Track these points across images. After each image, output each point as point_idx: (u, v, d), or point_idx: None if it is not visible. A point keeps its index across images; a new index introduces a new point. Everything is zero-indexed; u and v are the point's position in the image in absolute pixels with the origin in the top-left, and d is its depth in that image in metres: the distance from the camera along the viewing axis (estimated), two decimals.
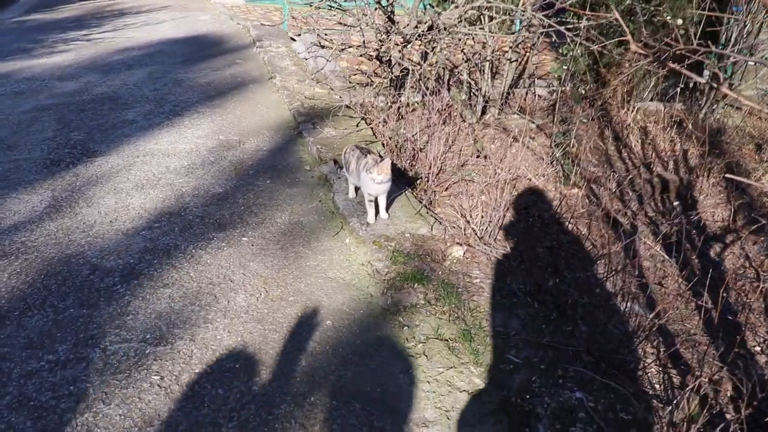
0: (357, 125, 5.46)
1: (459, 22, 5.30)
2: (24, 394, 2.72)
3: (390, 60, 5.83)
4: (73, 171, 4.87)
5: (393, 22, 5.34)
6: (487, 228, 3.87)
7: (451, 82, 6.10)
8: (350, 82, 6.71)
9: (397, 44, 5.62)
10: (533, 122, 6.13)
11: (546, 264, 3.68)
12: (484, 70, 6.11)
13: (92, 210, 4.23)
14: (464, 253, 3.64)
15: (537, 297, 3.32)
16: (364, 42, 5.79)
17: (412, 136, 4.92)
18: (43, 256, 3.72)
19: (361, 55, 6.07)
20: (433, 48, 5.46)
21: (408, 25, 5.44)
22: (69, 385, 2.76)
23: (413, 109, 5.95)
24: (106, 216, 4.14)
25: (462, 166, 5.03)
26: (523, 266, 3.58)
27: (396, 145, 4.98)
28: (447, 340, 3.00)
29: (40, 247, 3.82)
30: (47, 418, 2.60)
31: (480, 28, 5.42)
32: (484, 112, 6.30)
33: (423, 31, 5.15)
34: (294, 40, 8.82)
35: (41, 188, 4.61)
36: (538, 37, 6.02)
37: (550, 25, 5.11)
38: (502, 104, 6.33)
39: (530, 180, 4.81)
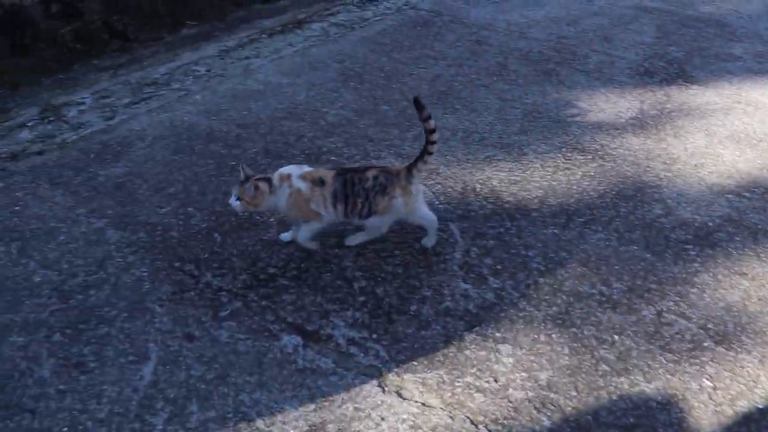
0: None
1: None
2: (584, 322, 2.46)
3: None
4: (665, 89, 4.41)
5: None
6: None
7: None
8: None
9: None
10: None
11: None
12: None
13: (678, 143, 3.74)
14: None
15: None
16: None
17: None
18: (618, 170, 3.40)
19: None
20: None
21: None
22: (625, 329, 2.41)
23: None
24: (691, 156, 3.62)
25: None
26: None
27: None
28: None
29: (618, 159, 3.50)
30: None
31: None
32: None
33: None
34: None
35: (630, 95, 4.26)
36: None
37: None
38: None
39: None
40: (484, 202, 3.07)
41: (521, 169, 3.34)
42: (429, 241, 2.79)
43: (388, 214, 2.60)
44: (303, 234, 2.68)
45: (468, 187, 3.16)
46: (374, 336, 2.34)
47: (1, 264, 2.67)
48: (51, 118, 3.81)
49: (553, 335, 2.41)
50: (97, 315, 2.43)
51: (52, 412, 2.06)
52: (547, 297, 2.56)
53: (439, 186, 3.16)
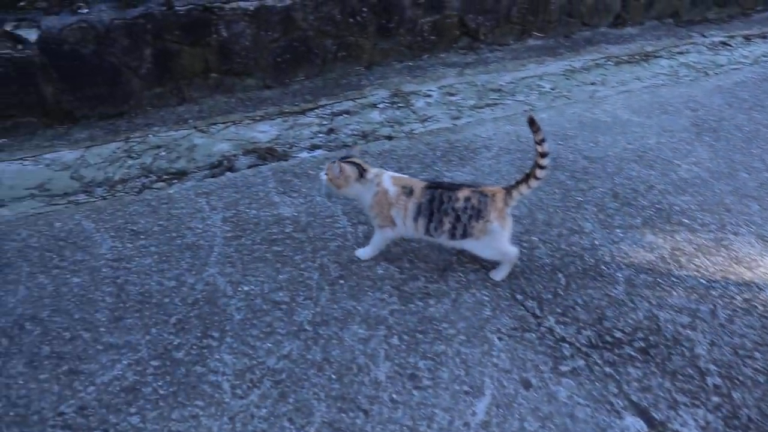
0: None
1: None
2: None
3: None
4: None
5: None
6: None
7: None
8: None
9: None
10: None
11: None
12: None
13: None
14: None
15: None
16: None
17: None
18: None
19: None
20: None
21: None
22: None
23: None
24: None
25: None
26: None
27: None
28: None
29: None
30: None
31: None
32: None
33: None
34: None
35: None
36: None
37: None
38: None
39: None
40: None
41: None
42: (499, 274, 2.63)
43: (485, 237, 2.44)
44: (367, 251, 2.69)
45: None
46: None
47: (349, 245, 2.76)
48: (400, 104, 3.92)
49: None
50: (435, 328, 2.41)
51: (384, 420, 2.06)
52: None
53: None
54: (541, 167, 2.37)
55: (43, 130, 3.48)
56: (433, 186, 2.47)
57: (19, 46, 3.32)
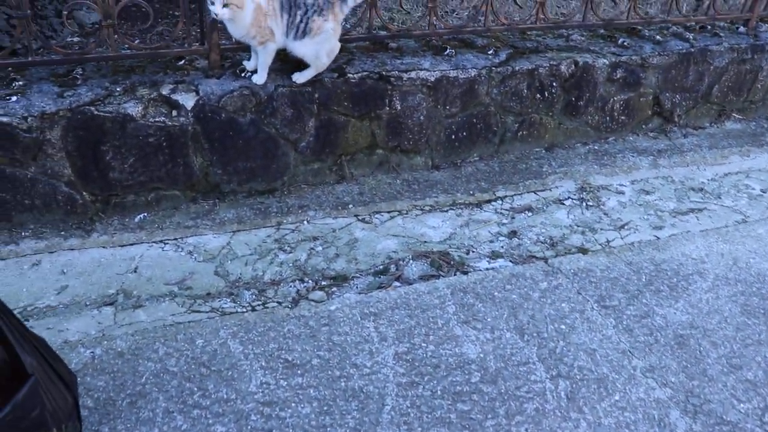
0: None
1: None
2: None
3: None
4: None
5: None
6: None
7: None
8: None
9: None
10: None
11: None
12: None
13: None
14: None
15: None
16: None
17: None
18: None
19: None
20: None
21: None
22: None
23: None
24: None
25: None
26: None
27: None
28: None
29: None
30: None
31: None
32: None
33: None
34: None
35: None
36: None
37: None
38: None
39: None
40: None
41: None
42: (301, 77, 3.09)
43: (320, 36, 2.93)
44: (260, 77, 3.05)
45: None
46: None
47: (550, 409, 2.17)
48: (589, 203, 3.32)
49: None
50: None
51: None
52: None
53: None
54: None
55: (186, 205, 3.08)
56: None
57: (174, 113, 2.92)
